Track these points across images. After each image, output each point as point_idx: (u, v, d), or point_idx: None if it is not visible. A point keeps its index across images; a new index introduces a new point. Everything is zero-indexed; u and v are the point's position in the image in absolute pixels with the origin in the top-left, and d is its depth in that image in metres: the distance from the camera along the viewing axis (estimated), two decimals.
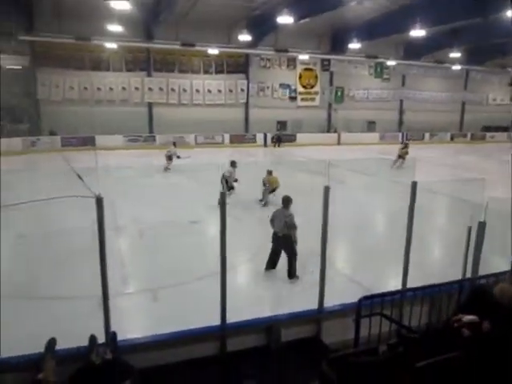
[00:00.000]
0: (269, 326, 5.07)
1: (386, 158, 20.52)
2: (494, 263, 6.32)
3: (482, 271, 5.49)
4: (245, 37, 24.02)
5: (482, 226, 5.36)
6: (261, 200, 12.67)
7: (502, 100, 38.83)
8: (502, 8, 18.25)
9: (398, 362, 2.54)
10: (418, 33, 20.10)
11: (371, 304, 4.38)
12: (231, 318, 4.86)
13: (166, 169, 18.08)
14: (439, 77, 35.28)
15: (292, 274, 7.35)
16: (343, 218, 10.65)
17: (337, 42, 29.46)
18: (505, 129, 37.44)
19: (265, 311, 5.84)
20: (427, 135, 34.76)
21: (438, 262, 8.77)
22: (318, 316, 5.42)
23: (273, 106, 30.51)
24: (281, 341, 5.23)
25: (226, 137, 28.92)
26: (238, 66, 29.55)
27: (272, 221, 7.42)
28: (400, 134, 33.68)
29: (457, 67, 32.76)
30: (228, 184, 12.46)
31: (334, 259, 7.99)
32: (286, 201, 7.39)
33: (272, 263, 7.58)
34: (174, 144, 19.24)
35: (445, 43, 27.90)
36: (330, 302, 5.44)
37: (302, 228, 7.30)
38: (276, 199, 11.23)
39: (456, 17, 21.62)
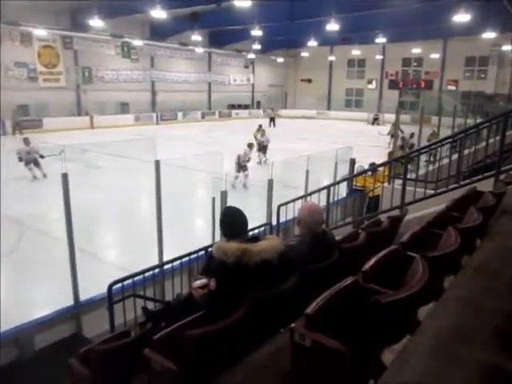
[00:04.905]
0: (15, 338, 4.48)
1: (141, 138, 20.53)
2: None
3: None
4: None
5: (224, 194, 5.88)
6: None
7: (242, 81, 43.49)
8: None
9: (146, 339, 2.54)
10: (158, 14, 20.35)
11: (123, 287, 4.28)
12: None
13: None
14: (185, 58, 36.89)
15: None
16: (99, 202, 10.24)
17: (77, 17, 27.38)
18: (246, 106, 42.82)
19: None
20: (180, 114, 36.25)
21: (193, 232, 8.83)
22: (76, 311, 5.09)
23: (7, 88, 26.24)
24: (34, 350, 4.71)
25: None
26: None
27: None
28: (154, 115, 34.17)
29: (199, 50, 34.83)
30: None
31: (92, 247, 7.63)
32: None
33: None
34: None
35: (186, 26, 29.18)
36: (94, 292, 5.17)
37: None
38: None
39: (193, 1, 22.86)
